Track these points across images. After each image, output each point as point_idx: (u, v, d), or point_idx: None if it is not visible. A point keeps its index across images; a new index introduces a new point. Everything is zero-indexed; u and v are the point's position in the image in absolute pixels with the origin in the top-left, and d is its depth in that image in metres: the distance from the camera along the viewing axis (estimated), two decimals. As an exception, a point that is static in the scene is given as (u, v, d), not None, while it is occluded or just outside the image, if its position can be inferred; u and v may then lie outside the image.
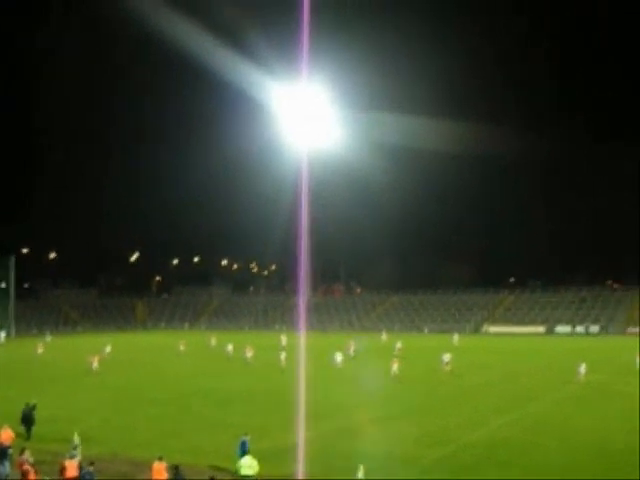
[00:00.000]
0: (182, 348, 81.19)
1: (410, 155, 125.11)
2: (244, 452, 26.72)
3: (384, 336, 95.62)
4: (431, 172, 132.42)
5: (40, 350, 79.37)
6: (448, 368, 58.12)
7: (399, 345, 75.48)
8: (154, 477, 24.87)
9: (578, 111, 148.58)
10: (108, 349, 76.53)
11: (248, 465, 25.23)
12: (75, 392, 50.62)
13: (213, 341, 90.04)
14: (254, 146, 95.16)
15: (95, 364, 61.45)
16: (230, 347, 74.98)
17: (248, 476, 25.17)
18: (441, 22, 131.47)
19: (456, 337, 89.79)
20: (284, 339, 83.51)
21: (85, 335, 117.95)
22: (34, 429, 33.89)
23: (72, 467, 25.08)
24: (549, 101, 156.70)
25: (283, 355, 62.17)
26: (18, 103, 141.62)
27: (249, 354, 67.63)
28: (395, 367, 54.96)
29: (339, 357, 62.92)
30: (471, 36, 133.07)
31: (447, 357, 59.65)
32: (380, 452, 30.50)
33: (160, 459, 25.21)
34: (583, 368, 52.20)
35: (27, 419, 34.17)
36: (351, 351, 72.45)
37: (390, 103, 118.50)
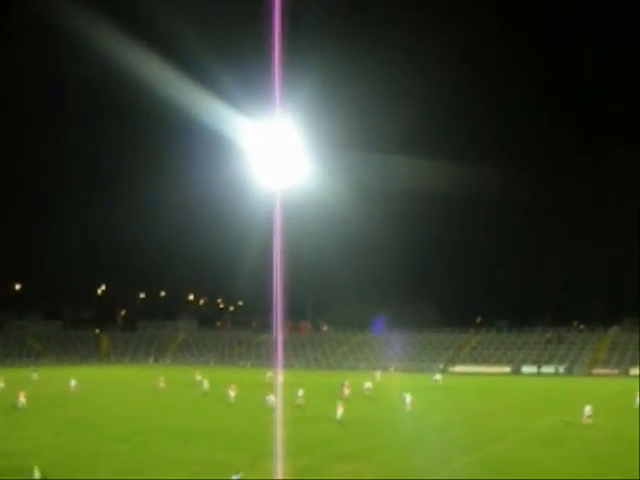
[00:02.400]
0: (162, 385, 77.13)
1: (380, 194, 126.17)
2: None
3: (378, 375, 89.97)
4: (399, 212, 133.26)
5: (1, 384, 77.46)
6: (409, 408, 56.73)
7: (368, 384, 73.45)
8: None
9: (554, 151, 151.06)
10: (73, 383, 73.67)
11: None
12: (37, 425, 49.88)
13: (198, 377, 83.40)
14: (223, 183, 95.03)
15: (22, 399, 58.69)
16: (206, 383, 72.92)
17: None
18: (416, 61, 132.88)
19: (438, 376, 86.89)
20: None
21: (49, 367, 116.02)
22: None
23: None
24: (526, 141, 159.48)
25: (300, 393, 59.46)
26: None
27: (232, 393, 63.90)
28: (340, 411, 51.56)
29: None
30: (448, 76, 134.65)
31: (408, 398, 57.26)
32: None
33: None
34: (588, 409, 50.16)
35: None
36: (346, 392, 68.70)
37: (364, 142, 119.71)
